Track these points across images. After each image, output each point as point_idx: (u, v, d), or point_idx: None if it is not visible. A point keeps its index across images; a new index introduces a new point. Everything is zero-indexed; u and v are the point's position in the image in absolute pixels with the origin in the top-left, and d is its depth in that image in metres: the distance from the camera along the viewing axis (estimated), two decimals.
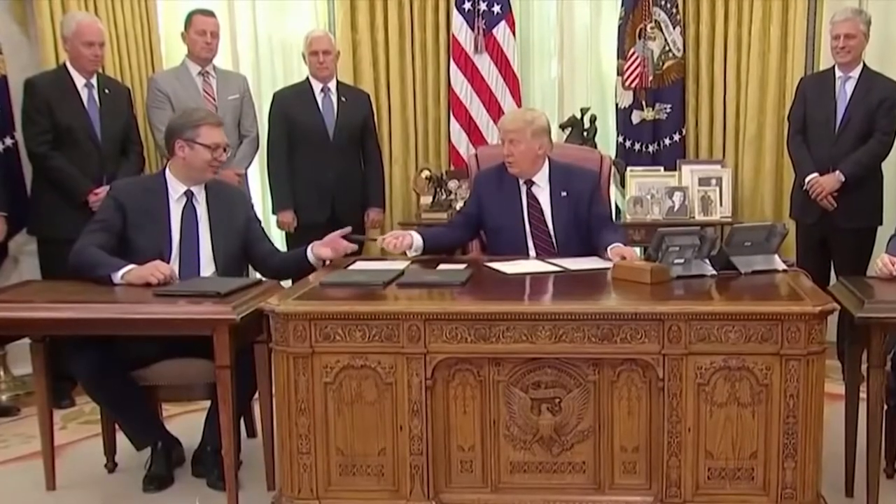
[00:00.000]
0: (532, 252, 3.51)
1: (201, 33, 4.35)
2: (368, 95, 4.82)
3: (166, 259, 3.18)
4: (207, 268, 3.25)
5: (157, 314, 2.84)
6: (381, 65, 5.23)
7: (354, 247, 3.39)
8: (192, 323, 2.83)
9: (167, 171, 3.30)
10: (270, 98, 4.64)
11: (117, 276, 3.04)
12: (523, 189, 3.54)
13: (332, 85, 4.55)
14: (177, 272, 3.14)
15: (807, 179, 4.17)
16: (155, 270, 3.02)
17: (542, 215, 3.52)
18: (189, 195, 3.27)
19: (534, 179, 3.52)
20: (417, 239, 3.46)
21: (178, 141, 3.23)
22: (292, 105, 4.49)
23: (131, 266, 3.05)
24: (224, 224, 3.30)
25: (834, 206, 4.12)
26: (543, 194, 3.53)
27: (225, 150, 3.30)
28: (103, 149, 4.09)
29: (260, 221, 3.52)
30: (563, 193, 3.51)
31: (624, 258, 3.11)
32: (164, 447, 3.23)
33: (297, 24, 5.32)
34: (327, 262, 3.35)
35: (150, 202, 3.23)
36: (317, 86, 4.52)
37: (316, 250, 3.31)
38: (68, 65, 4.08)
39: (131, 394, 3.14)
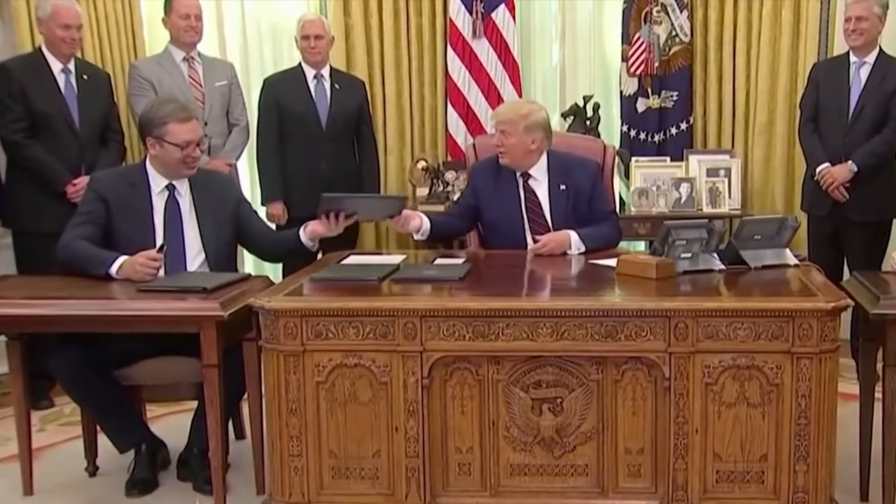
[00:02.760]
0: (531, 246, 3.51)
1: (184, 17, 4.34)
2: (363, 83, 4.82)
3: None
4: (196, 261, 3.25)
5: (140, 310, 2.84)
6: (375, 51, 5.23)
7: (349, 222, 3.30)
8: (178, 320, 2.84)
9: (147, 163, 3.29)
10: (259, 85, 4.64)
11: (113, 274, 3.06)
12: (520, 182, 3.55)
13: (326, 71, 4.55)
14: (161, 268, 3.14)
15: (818, 169, 4.18)
16: (142, 269, 3.02)
17: (541, 209, 3.53)
18: (171, 189, 3.27)
19: (530, 172, 3.54)
20: (426, 222, 3.51)
21: (149, 138, 3.23)
22: (283, 92, 4.49)
23: (122, 259, 3.06)
24: (212, 215, 3.30)
25: (846, 198, 4.13)
26: (541, 188, 3.55)
27: (199, 144, 3.27)
28: (82, 137, 4.08)
29: (250, 204, 3.54)
30: (562, 187, 3.53)
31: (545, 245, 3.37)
32: (148, 450, 3.23)
33: (288, 7, 5.31)
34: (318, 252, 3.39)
35: (132, 195, 3.24)
36: (309, 72, 4.51)
37: (310, 227, 3.29)
38: (44, 49, 4.07)
39: (113, 394, 3.14)
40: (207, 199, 3.31)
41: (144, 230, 3.20)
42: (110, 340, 3.02)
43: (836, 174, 4.12)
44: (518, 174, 3.56)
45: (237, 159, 4.58)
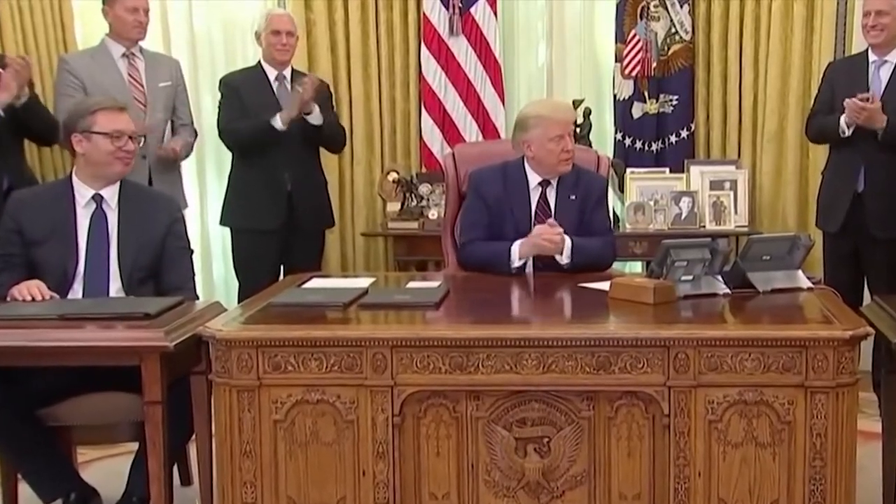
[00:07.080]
0: (528, 263, 3.54)
1: (132, 10, 4.32)
2: (328, 85, 4.84)
3: (71, 276, 3.20)
4: (115, 285, 3.24)
5: (69, 341, 2.81)
6: (340, 49, 5.27)
7: None
8: (115, 351, 2.82)
9: (74, 174, 3.30)
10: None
11: None
12: (536, 191, 3.61)
13: (287, 72, 4.58)
14: (80, 291, 3.18)
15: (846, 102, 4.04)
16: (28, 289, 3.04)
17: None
18: (98, 199, 3.27)
19: (550, 180, 3.59)
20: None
21: (74, 136, 3.23)
22: (246, 93, 4.51)
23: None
24: (135, 233, 3.27)
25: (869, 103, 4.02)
26: (552, 196, 3.62)
27: (133, 138, 3.26)
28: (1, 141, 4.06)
29: (186, 242, 3.46)
30: (572, 197, 3.59)
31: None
32: (78, 499, 3.18)
33: (241, 1, 5.33)
34: None
35: (53, 213, 3.24)
36: (271, 72, 4.55)
37: None
38: None
39: (37, 436, 3.11)
40: (134, 215, 3.29)
41: (67, 250, 3.20)
42: (32, 374, 3.00)
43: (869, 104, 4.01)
44: (537, 182, 3.61)
45: (186, 156, 4.61)
